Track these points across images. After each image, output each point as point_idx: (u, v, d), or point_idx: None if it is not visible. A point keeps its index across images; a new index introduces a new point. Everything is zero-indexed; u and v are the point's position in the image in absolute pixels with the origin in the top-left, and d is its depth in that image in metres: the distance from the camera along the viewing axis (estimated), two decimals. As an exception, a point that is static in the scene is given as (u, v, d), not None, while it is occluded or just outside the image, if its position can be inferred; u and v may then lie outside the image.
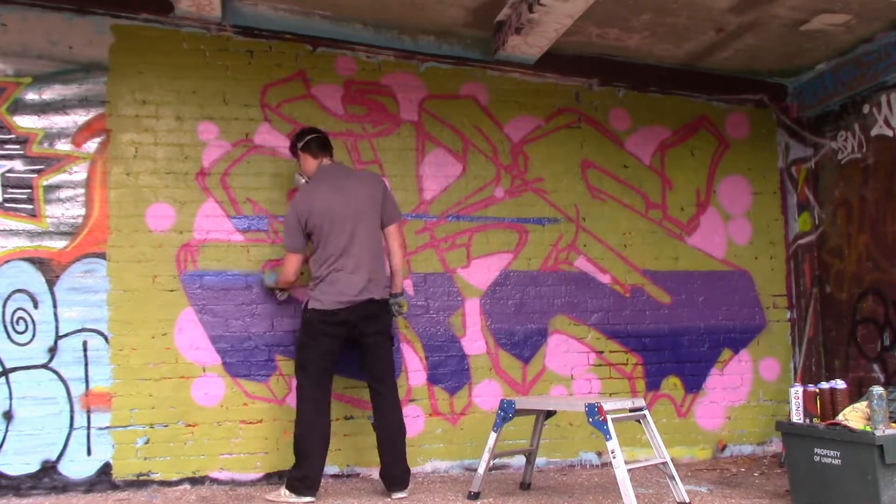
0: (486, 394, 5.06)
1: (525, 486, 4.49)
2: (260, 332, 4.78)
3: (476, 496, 4.18)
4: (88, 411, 4.51)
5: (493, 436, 4.17)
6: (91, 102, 4.69)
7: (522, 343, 5.17)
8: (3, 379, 4.42)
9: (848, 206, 5.37)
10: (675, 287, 5.47)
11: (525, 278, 5.22)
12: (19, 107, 4.59)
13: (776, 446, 5.44)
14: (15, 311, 4.47)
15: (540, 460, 4.97)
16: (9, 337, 4.45)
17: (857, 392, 4.77)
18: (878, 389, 3.69)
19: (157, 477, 4.55)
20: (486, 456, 4.17)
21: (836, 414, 3.89)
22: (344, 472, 4.79)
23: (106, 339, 4.57)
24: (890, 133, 5.00)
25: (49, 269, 4.53)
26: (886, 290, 5.03)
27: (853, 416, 3.80)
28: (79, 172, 4.64)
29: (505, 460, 4.98)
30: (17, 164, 4.56)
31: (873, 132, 5.14)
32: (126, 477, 4.51)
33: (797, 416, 4.03)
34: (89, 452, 4.49)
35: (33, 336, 4.48)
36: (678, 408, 5.38)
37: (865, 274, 5.21)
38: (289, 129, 4.92)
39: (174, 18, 4.81)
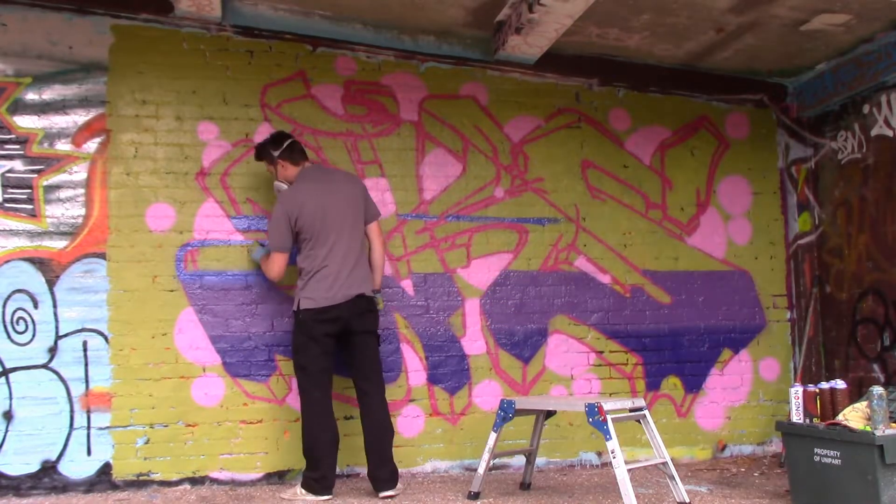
0: (486, 394, 5.06)
1: (525, 486, 4.49)
2: (260, 332, 4.78)
3: (476, 496, 4.18)
4: (88, 411, 4.51)
5: (493, 436, 4.17)
6: (91, 102, 4.69)
7: (522, 343, 5.17)
8: (3, 379, 4.42)
9: (848, 206, 5.37)
10: (675, 287, 5.47)
11: (525, 278, 5.22)
12: (19, 107, 4.59)
13: (776, 446, 5.44)
14: (15, 311, 4.47)
15: (540, 460, 4.97)
16: (9, 337, 4.45)
17: (857, 392, 4.77)
18: (878, 389, 3.68)
19: (157, 477, 4.55)
20: (486, 456, 4.17)
21: (836, 414, 3.88)
22: (344, 472, 4.78)
23: (106, 339, 4.57)
24: (890, 133, 5.00)
25: (49, 269, 4.53)
26: (886, 290, 5.03)
27: (853, 416, 3.80)
28: (79, 172, 4.64)
29: (505, 460, 4.98)
30: (17, 164, 4.56)
31: (873, 132, 5.14)
32: (126, 477, 4.51)
33: (797, 416, 4.03)
34: (89, 452, 4.49)
35: (33, 336, 4.48)
36: (678, 408, 5.38)
37: (865, 274, 5.21)
38: (289, 129, 4.90)
39: (174, 18, 4.81)
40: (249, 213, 4.85)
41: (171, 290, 4.69)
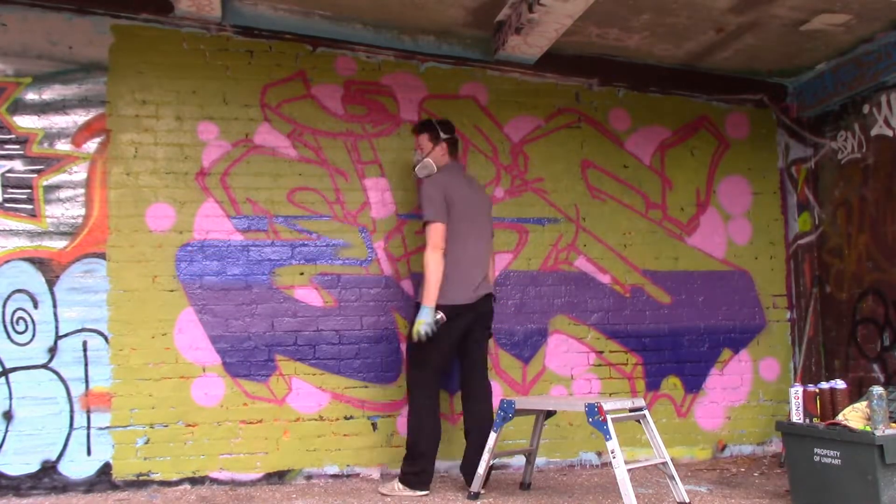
0: (486, 394, 5.06)
1: (525, 486, 4.49)
2: (260, 332, 4.78)
3: (476, 496, 4.18)
4: (88, 411, 4.51)
5: (493, 436, 4.17)
6: (91, 102, 4.69)
7: (522, 343, 5.17)
8: (3, 379, 4.42)
9: (848, 206, 5.37)
10: (675, 287, 5.47)
11: (525, 278, 5.22)
12: (19, 107, 4.59)
13: (776, 446, 5.44)
14: (15, 311, 4.47)
15: (540, 460, 4.97)
16: (9, 337, 4.45)
17: (857, 392, 4.77)
18: (878, 389, 3.68)
19: (157, 477, 4.55)
20: (486, 456, 4.17)
21: (836, 414, 3.88)
22: (344, 472, 4.79)
23: (106, 339, 4.57)
24: (890, 133, 5.00)
25: (49, 269, 4.53)
26: (886, 290, 5.02)
27: (853, 416, 3.80)
28: (79, 172, 4.64)
29: (505, 460, 4.98)
30: (17, 164, 4.56)
31: (873, 132, 5.14)
32: (126, 477, 4.51)
33: (797, 416, 4.03)
34: (89, 452, 4.49)
35: (33, 336, 4.48)
36: (678, 408, 5.38)
37: (865, 274, 5.21)
38: (289, 129, 4.92)
39: (174, 18, 4.81)
40: (249, 213, 4.85)
41: (171, 290, 4.69)
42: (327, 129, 4.95)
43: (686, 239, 5.53)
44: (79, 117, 4.67)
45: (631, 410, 4.00)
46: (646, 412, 4.03)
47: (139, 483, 4.52)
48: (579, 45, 5.23)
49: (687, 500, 3.92)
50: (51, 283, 4.52)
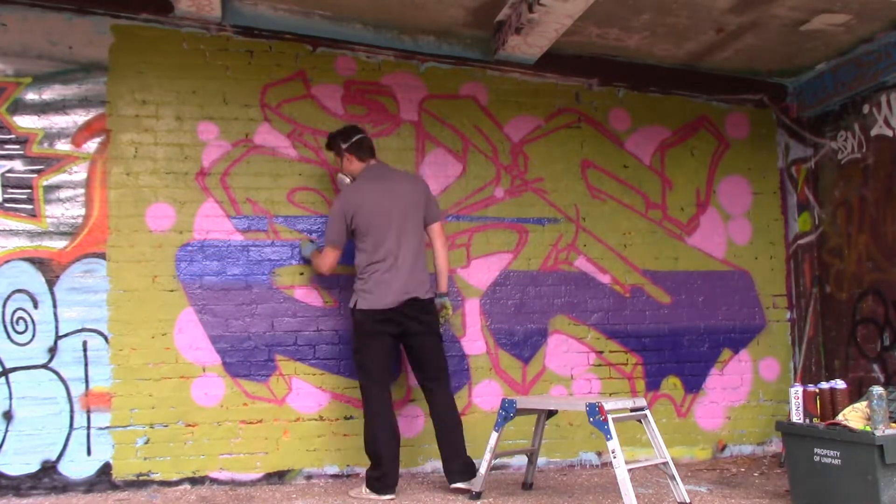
0: (486, 394, 5.06)
1: (527, 486, 4.49)
2: (260, 332, 4.78)
3: (478, 496, 4.18)
4: (88, 411, 4.51)
5: (494, 435, 4.17)
6: (91, 102, 4.69)
7: (522, 343, 5.17)
8: (3, 379, 4.42)
9: (848, 206, 5.38)
10: (675, 287, 5.47)
11: (525, 278, 5.22)
12: (19, 107, 4.59)
13: (776, 446, 5.44)
14: (15, 311, 4.47)
15: (540, 460, 4.96)
16: (9, 337, 4.45)
17: (857, 392, 4.77)
18: (878, 389, 3.68)
19: (157, 477, 4.55)
20: (487, 456, 4.17)
21: (836, 414, 3.88)
22: (344, 472, 4.79)
23: (106, 339, 4.57)
24: (890, 133, 5.00)
25: (49, 269, 4.53)
26: (886, 290, 5.03)
27: (853, 416, 3.80)
28: (79, 172, 4.64)
29: (505, 460, 4.98)
30: (17, 164, 4.56)
31: (873, 132, 5.14)
32: (126, 477, 4.51)
33: (797, 416, 4.03)
34: (89, 452, 4.49)
35: (33, 336, 4.48)
36: (678, 408, 5.38)
37: (865, 274, 5.21)
38: (289, 129, 4.92)
39: (174, 18, 4.81)
40: (249, 213, 4.85)
41: (171, 290, 4.68)
42: (327, 129, 4.94)
43: (686, 239, 5.53)
44: (79, 117, 4.67)
45: (632, 410, 4.00)
46: (647, 412, 4.02)
47: (139, 483, 4.52)
48: (579, 45, 5.23)
49: (688, 501, 3.92)
50: (51, 283, 4.52)
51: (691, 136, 5.62)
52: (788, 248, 5.72)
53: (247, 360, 4.75)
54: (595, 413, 3.75)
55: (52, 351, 4.49)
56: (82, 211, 4.62)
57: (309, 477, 4.74)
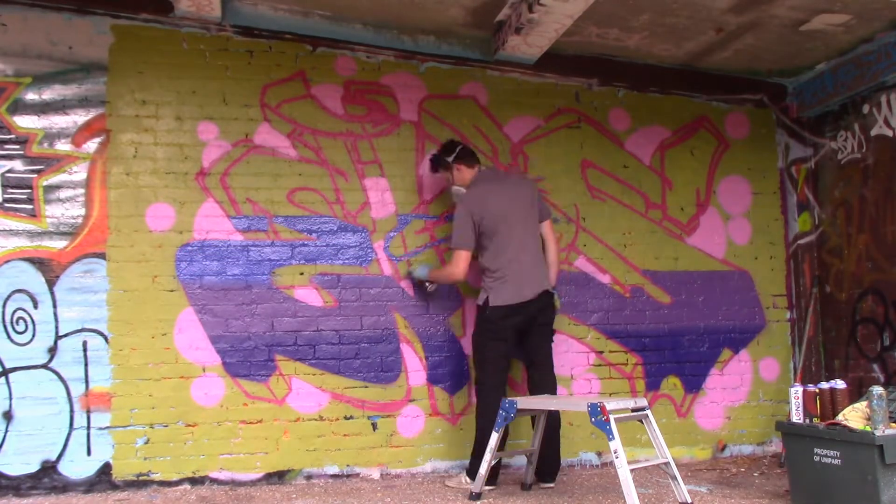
0: (487, 394, 5.05)
1: (526, 486, 4.49)
2: (260, 332, 4.78)
3: (477, 496, 4.18)
4: (88, 411, 4.51)
5: (494, 435, 4.17)
6: (91, 102, 4.69)
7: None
8: (3, 379, 4.42)
9: (848, 206, 5.38)
10: (675, 287, 5.46)
11: (525, 278, 5.21)
12: (19, 107, 4.59)
13: (776, 446, 5.44)
14: (15, 311, 4.47)
15: (540, 460, 4.96)
16: (9, 337, 4.45)
17: (857, 392, 4.77)
18: (878, 389, 3.68)
19: (157, 477, 4.55)
20: (487, 456, 4.17)
21: (836, 414, 3.88)
22: (344, 472, 4.79)
23: (106, 339, 4.57)
24: (890, 133, 5.01)
25: (49, 269, 4.53)
26: (886, 290, 5.03)
27: (853, 416, 3.80)
28: (79, 172, 4.64)
29: (505, 460, 4.97)
30: (17, 164, 4.56)
31: (873, 132, 5.14)
32: (126, 477, 4.51)
33: (797, 416, 4.03)
34: (89, 452, 4.49)
35: (33, 336, 4.48)
36: (678, 408, 5.38)
37: (865, 274, 5.21)
38: (289, 129, 4.92)
39: (174, 18, 4.81)
40: (249, 213, 4.85)
41: (171, 290, 4.68)
42: (327, 129, 4.95)
43: (686, 239, 5.53)
44: (79, 117, 4.67)
45: (633, 410, 4.00)
46: (648, 412, 4.02)
47: (139, 483, 4.52)
48: (579, 45, 5.23)
49: (689, 501, 3.91)
50: (51, 283, 4.52)
51: (691, 136, 5.62)
52: (788, 248, 5.72)
53: (247, 360, 4.75)
54: (597, 413, 3.74)
55: (52, 351, 4.49)
56: (82, 211, 4.62)
57: (309, 477, 4.74)
